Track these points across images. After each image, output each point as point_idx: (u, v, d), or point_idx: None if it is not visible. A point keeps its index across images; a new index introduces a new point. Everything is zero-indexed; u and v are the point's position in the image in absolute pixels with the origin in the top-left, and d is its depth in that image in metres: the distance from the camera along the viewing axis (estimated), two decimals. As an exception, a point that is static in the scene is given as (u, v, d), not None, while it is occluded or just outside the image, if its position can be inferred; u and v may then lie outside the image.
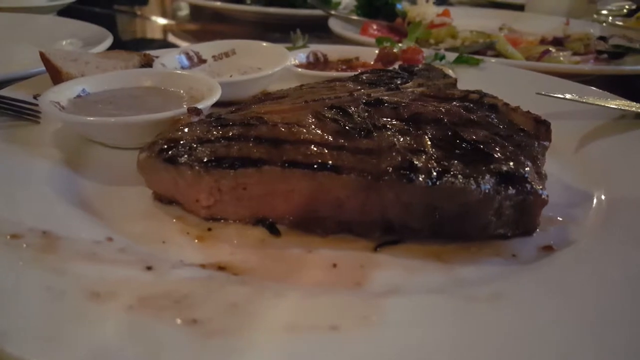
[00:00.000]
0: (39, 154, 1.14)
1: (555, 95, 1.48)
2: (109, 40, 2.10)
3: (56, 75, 1.45)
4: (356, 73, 1.52)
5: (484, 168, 0.96)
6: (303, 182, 0.95)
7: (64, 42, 2.14)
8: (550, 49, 2.51)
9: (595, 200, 1.12)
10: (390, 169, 0.93)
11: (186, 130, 1.04)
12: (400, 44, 2.17)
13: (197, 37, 3.36)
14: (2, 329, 0.61)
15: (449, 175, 0.93)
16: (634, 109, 1.42)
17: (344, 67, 1.84)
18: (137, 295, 0.70)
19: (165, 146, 1.00)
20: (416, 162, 0.95)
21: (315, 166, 0.94)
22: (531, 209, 0.96)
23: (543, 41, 2.75)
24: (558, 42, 2.71)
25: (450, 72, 1.77)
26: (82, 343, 0.61)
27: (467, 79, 1.86)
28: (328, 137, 1.02)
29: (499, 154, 1.02)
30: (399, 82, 1.43)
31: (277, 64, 1.65)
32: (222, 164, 0.95)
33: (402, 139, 1.03)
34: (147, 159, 1.00)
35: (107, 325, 0.64)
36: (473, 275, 0.86)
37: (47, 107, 1.19)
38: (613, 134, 1.39)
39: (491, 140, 1.07)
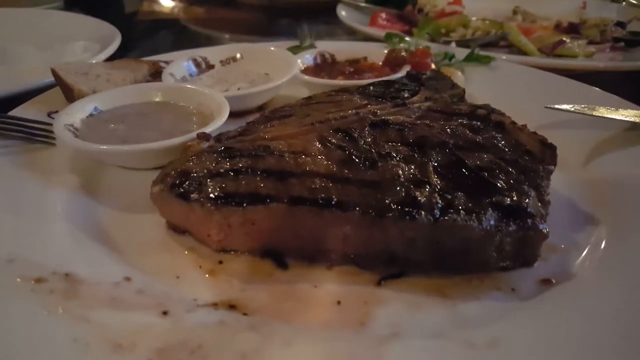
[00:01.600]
0: (55, 181, 1.18)
1: (562, 108, 1.48)
2: (117, 41, 2.11)
3: (69, 93, 1.48)
4: (363, 83, 1.53)
5: (487, 201, 0.99)
6: (309, 218, 0.98)
7: (74, 45, 2.15)
8: (565, 38, 2.46)
9: (599, 223, 1.13)
10: (394, 205, 0.96)
11: (197, 161, 1.08)
12: (408, 39, 2.16)
13: (204, 24, 3.34)
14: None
15: (451, 211, 0.96)
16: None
17: (351, 69, 1.84)
18: (155, 347, 0.75)
19: (177, 181, 1.04)
20: (419, 197, 0.98)
21: (320, 202, 0.97)
22: (531, 243, 0.99)
23: (558, 27, 2.69)
24: (573, 29, 2.66)
25: (459, 74, 1.77)
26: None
27: (477, 79, 1.86)
28: (333, 167, 1.05)
29: (502, 182, 1.04)
30: (406, 95, 1.44)
31: (284, 72, 1.66)
32: (231, 201, 0.98)
33: (406, 169, 1.05)
34: (160, 192, 1.04)
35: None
36: (474, 312, 0.90)
37: (61, 134, 1.23)
38: (622, 146, 1.38)
39: (495, 166, 1.09)
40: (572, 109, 1.47)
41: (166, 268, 0.98)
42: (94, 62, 1.73)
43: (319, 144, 1.13)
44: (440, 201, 0.98)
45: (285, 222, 0.99)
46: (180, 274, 0.97)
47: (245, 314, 0.87)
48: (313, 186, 1.00)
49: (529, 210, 0.99)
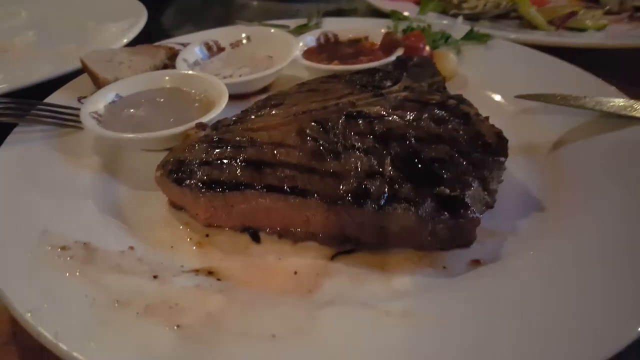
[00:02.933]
0: (82, 162, 1.44)
1: (532, 96, 1.59)
2: (143, 19, 2.32)
3: (95, 80, 1.71)
4: (354, 69, 1.69)
5: (429, 191, 1.16)
6: (278, 203, 1.19)
7: (103, 24, 2.37)
8: (577, 9, 2.47)
9: (546, 211, 1.28)
10: (346, 195, 1.15)
11: (191, 151, 1.30)
12: (412, 17, 2.25)
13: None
14: (54, 330, 0.93)
15: (395, 201, 1.14)
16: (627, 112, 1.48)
17: (350, 51, 1.98)
18: (143, 304, 0.99)
19: (174, 167, 1.26)
20: (370, 187, 1.16)
21: (286, 190, 1.18)
22: (465, 230, 1.16)
23: (576, -6, 2.68)
24: (593, -3, 2.64)
25: (451, 56, 1.88)
26: (106, 342, 0.92)
27: (472, 60, 1.96)
28: (303, 158, 1.24)
29: (449, 173, 1.20)
30: (388, 84, 1.59)
31: (285, 55, 1.83)
32: (215, 188, 1.20)
33: (365, 160, 1.24)
34: (160, 176, 1.27)
35: (122, 328, 0.94)
36: (404, 286, 1.10)
37: (86, 121, 1.47)
38: (592, 134, 1.47)
39: (448, 158, 1.25)
40: (542, 99, 1.57)
41: (164, 239, 1.22)
42: (116, 48, 1.94)
43: (296, 135, 1.32)
44: (387, 191, 1.16)
45: (259, 205, 1.21)
46: (174, 244, 1.21)
47: (219, 280, 1.11)
48: (283, 175, 1.20)
49: (465, 200, 1.15)
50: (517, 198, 1.33)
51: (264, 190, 1.18)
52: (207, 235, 1.24)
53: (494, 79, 1.84)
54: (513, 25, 2.42)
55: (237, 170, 1.22)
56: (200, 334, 0.93)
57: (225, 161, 1.24)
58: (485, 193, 1.23)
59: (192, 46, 1.94)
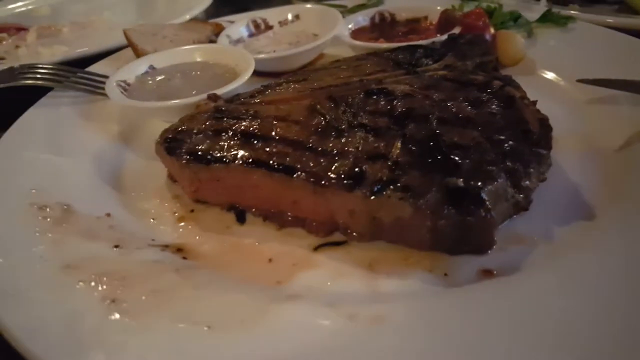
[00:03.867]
0: (99, 128, 1.43)
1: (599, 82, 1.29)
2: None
3: (135, 51, 1.71)
4: (393, 47, 1.50)
5: (438, 181, 0.96)
6: (263, 180, 1.06)
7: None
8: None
9: (594, 220, 1.01)
10: (334, 176, 0.99)
11: (189, 121, 1.21)
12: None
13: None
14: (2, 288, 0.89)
15: (391, 188, 0.96)
16: None
17: (405, 30, 1.79)
18: (93, 271, 0.92)
19: (170, 136, 1.19)
20: (365, 170, 0.99)
21: (272, 166, 1.04)
22: (476, 230, 0.94)
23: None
24: None
25: (519, 38, 1.61)
26: (34, 303, 0.86)
27: (546, 43, 1.69)
28: (302, 135, 1.10)
29: (470, 162, 0.99)
30: (428, 62, 1.39)
31: (330, 33, 1.70)
32: (200, 159, 1.10)
33: (371, 141, 1.06)
34: (156, 144, 1.20)
35: (55, 293, 0.88)
36: (389, 289, 0.91)
37: (108, 88, 1.46)
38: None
39: (473, 145, 1.04)
40: (608, 85, 1.27)
41: (148, 211, 1.15)
42: (165, 23, 1.93)
43: (305, 110, 1.18)
44: (385, 177, 0.98)
45: (244, 181, 1.09)
46: (157, 217, 1.13)
47: (184, 258, 1.00)
48: (273, 151, 1.07)
49: (480, 195, 0.94)
50: (561, 201, 1.07)
51: (251, 165, 1.06)
52: (192, 211, 1.15)
53: (568, 66, 1.54)
54: (608, 11, 2.05)
55: (227, 142, 1.11)
56: (130, 312, 0.84)
57: (218, 133, 1.14)
58: (516, 190, 1.00)
59: (238, 24, 1.88)
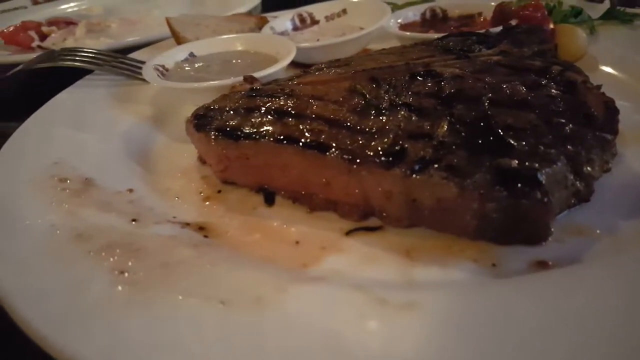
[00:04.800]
0: (132, 110, 1.39)
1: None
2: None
3: (177, 39, 1.69)
4: (442, 35, 1.41)
5: (487, 162, 0.85)
6: (294, 158, 0.98)
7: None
8: None
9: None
10: (372, 153, 0.90)
11: (222, 100, 1.15)
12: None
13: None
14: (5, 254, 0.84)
15: (434, 167, 0.85)
16: None
17: (458, 25, 1.69)
18: (106, 242, 0.86)
19: (201, 113, 1.13)
20: (405, 149, 0.89)
21: (304, 143, 0.96)
22: (530, 217, 0.82)
23: None
24: None
25: (580, 33, 1.48)
26: (49, 271, 0.80)
27: (611, 39, 1.55)
28: (339, 113, 1.02)
29: (525, 145, 0.88)
30: (481, 47, 1.29)
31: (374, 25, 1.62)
32: (228, 135, 1.03)
33: (415, 120, 0.97)
34: (186, 122, 1.15)
35: (70, 261, 0.82)
36: (427, 277, 0.80)
37: (145, 70, 1.42)
38: None
39: (530, 128, 0.92)
40: None
41: (173, 189, 1.09)
42: (209, 15, 1.91)
43: (345, 91, 1.10)
44: (428, 156, 0.88)
45: (274, 159, 1.01)
46: (181, 195, 1.07)
47: (206, 237, 0.93)
48: (307, 128, 0.99)
49: (538, 177, 0.82)
50: (626, 195, 0.94)
51: (282, 141, 0.98)
52: (219, 192, 1.08)
53: (633, 64, 1.40)
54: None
55: (259, 119, 1.04)
56: (139, 284, 0.76)
57: (250, 111, 1.07)
58: (576, 177, 0.88)
59: (283, 17, 1.83)
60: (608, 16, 1.60)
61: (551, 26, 1.53)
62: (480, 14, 1.74)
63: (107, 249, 0.84)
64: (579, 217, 0.89)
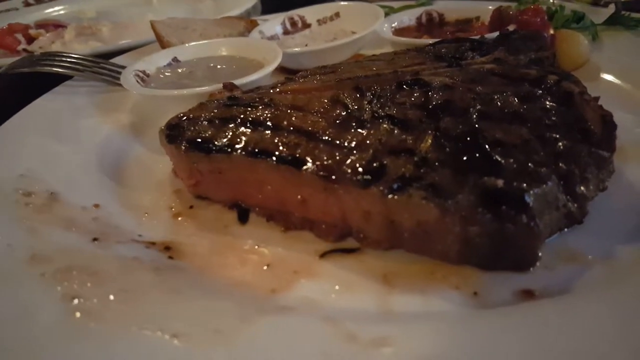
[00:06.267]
0: (109, 119, 1.33)
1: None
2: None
3: (161, 43, 1.63)
4: (435, 41, 1.34)
5: (472, 181, 0.79)
6: (269, 173, 0.92)
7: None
8: None
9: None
10: (350, 170, 0.84)
11: (197, 109, 1.09)
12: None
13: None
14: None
15: (414, 186, 0.79)
16: None
17: (454, 30, 1.63)
18: (63, 265, 0.80)
19: (174, 123, 1.07)
20: (387, 165, 0.83)
21: (279, 157, 0.90)
22: (517, 242, 0.76)
23: None
24: None
25: (581, 39, 1.42)
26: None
27: (614, 46, 1.48)
28: (318, 126, 0.96)
29: (514, 163, 0.81)
30: (474, 55, 1.22)
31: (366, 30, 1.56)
32: (200, 147, 0.97)
33: (397, 134, 0.91)
34: (159, 133, 1.08)
35: (15, 285, 0.76)
36: (405, 307, 0.74)
37: (124, 76, 1.37)
38: None
39: (520, 143, 0.86)
40: None
41: (143, 204, 1.03)
42: (197, 18, 1.85)
43: (327, 100, 1.04)
44: (409, 173, 0.81)
45: (248, 174, 0.95)
46: (151, 211, 1.01)
47: (170, 257, 0.87)
48: (284, 141, 0.93)
49: (524, 198, 0.75)
50: (623, 216, 0.88)
51: (255, 155, 0.92)
52: (191, 207, 1.02)
53: (637, 72, 1.33)
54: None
55: (233, 131, 0.98)
56: (92, 313, 0.70)
57: (225, 121, 1.01)
58: (569, 198, 0.81)
59: (274, 21, 1.77)
60: (612, 22, 1.53)
61: (551, 32, 1.46)
62: (478, 19, 1.67)
63: (62, 272, 0.78)
64: (571, 241, 0.82)
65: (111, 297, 0.73)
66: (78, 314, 0.70)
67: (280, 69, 1.45)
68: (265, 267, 0.85)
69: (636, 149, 1.04)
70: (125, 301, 0.73)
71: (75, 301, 0.72)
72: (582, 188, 0.83)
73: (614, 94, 1.28)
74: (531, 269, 0.78)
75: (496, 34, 1.38)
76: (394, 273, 0.81)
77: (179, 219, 0.99)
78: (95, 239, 0.87)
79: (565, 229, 0.83)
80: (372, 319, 0.71)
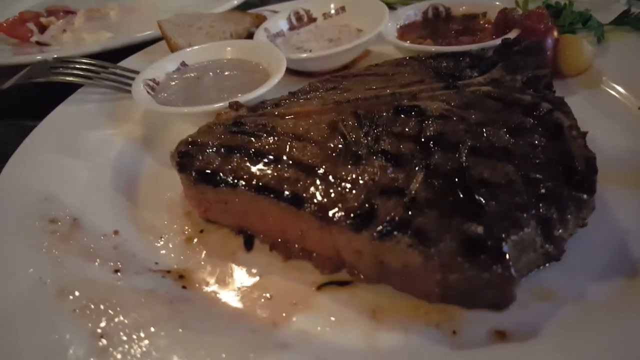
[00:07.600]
0: (121, 131, 1.41)
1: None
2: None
3: (169, 44, 1.67)
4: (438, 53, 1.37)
5: (455, 226, 0.85)
6: (271, 207, 0.99)
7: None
8: None
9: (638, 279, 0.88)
10: (343, 213, 0.91)
11: (204, 134, 1.15)
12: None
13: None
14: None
15: (402, 231, 0.86)
16: None
17: (459, 27, 1.63)
18: (88, 298, 0.90)
19: (182, 150, 1.13)
20: (378, 208, 0.90)
21: (280, 195, 0.97)
22: (491, 286, 0.83)
23: None
24: None
25: (585, 45, 1.42)
26: (31, 332, 0.85)
27: (618, 50, 1.48)
28: (316, 159, 1.02)
29: (497, 206, 0.88)
30: (473, 73, 1.25)
31: (371, 30, 1.58)
32: (207, 180, 1.04)
33: (390, 172, 0.97)
34: (170, 157, 1.16)
35: (52, 320, 0.87)
36: (389, 343, 0.83)
37: (135, 88, 1.42)
38: None
39: (505, 183, 0.92)
40: None
41: (157, 227, 1.12)
42: (204, 13, 1.87)
43: (325, 127, 1.11)
44: (398, 216, 0.88)
45: (251, 207, 1.02)
46: (165, 235, 1.10)
47: (184, 287, 0.96)
48: (285, 176, 1.00)
49: (502, 248, 0.82)
50: (601, 252, 0.94)
51: (259, 191, 0.99)
52: (201, 231, 1.10)
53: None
54: None
55: (237, 162, 1.05)
56: (116, 345, 0.81)
57: (230, 150, 1.08)
58: (547, 241, 0.88)
59: (279, 17, 1.78)
60: (620, 22, 1.51)
61: (555, 35, 1.46)
62: (484, 14, 1.66)
63: (88, 307, 0.88)
64: (547, 278, 0.90)
65: (128, 333, 0.84)
66: (97, 353, 0.81)
67: (286, 70, 1.47)
68: (267, 297, 0.94)
69: (622, 173, 1.08)
70: (140, 339, 0.83)
71: (97, 338, 0.83)
72: (560, 231, 0.89)
73: (611, 105, 1.31)
74: (507, 307, 0.86)
75: (498, 41, 1.40)
76: (382, 307, 0.90)
77: (192, 242, 1.08)
78: (116, 271, 0.97)
79: (544, 265, 0.90)
80: (360, 357, 0.80)
